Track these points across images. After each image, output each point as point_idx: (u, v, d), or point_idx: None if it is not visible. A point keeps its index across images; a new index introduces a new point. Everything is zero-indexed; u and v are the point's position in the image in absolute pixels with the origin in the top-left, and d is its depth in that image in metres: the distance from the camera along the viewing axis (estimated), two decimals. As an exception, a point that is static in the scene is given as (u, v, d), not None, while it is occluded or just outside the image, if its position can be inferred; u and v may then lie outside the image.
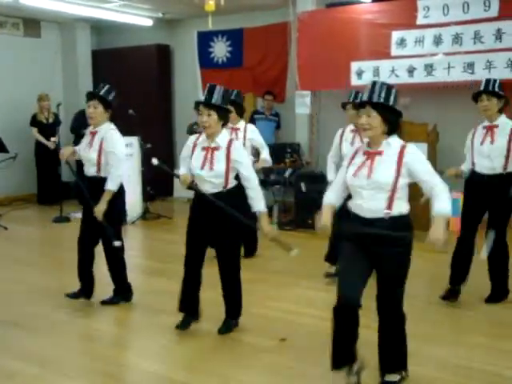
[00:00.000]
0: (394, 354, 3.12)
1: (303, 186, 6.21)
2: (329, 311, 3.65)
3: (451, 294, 4.56)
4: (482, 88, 4.32)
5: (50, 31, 10.12)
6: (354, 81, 7.67)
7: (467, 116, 6.64)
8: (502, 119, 4.34)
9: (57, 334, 4.07)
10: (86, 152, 4.42)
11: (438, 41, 7.04)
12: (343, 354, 3.05)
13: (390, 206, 2.94)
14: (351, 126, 5.13)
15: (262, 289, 5.00)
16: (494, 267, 4.51)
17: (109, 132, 4.38)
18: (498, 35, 6.61)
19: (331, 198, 3.22)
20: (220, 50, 9.52)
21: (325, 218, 3.13)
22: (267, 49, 8.97)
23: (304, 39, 8.08)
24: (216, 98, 3.74)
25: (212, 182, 3.80)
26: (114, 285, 4.59)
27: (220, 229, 3.85)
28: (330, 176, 5.22)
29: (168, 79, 10.24)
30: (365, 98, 2.96)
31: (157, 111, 9.92)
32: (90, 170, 4.41)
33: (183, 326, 4.01)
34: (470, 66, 6.83)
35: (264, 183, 8.24)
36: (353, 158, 3.09)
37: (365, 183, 2.96)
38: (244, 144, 5.74)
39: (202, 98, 8.94)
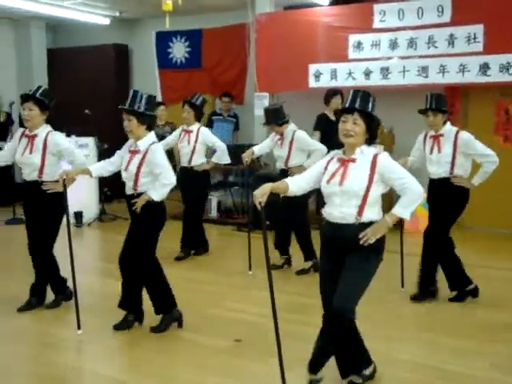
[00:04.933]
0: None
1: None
2: (283, 311, 3.68)
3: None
4: (428, 106, 4.56)
5: (2, 27, 9.86)
6: (312, 83, 7.74)
7: (421, 119, 6.81)
8: (447, 128, 4.58)
9: (5, 341, 3.96)
10: (26, 156, 4.33)
11: (393, 45, 7.16)
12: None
13: (360, 213, 2.97)
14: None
15: (216, 289, 4.98)
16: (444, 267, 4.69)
17: (50, 134, 4.34)
18: (451, 40, 6.77)
19: (292, 180, 3.16)
20: (179, 50, 9.47)
21: (268, 186, 3.06)
22: (226, 50, 8.97)
23: (262, 41, 8.11)
24: (138, 105, 3.93)
25: (127, 183, 3.99)
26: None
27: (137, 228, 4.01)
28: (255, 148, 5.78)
29: (126, 79, 10.11)
30: (349, 104, 3.00)
31: (114, 112, 9.74)
32: (31, 175, 4.33)
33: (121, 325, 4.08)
34: (424, 69, 6.97)
35: (223, 184, 8.27)
36: (327, 164, 3.11)
37: (337, 190, 2.99)
38: (195, 147, 5.88)
39: (160, 98, 8.99)
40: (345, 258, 3.02)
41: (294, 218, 5.56)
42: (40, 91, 4.30)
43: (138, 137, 3.96)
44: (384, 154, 3.05)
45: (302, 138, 5.39)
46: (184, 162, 6.03)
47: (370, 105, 3.00)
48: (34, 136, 4.32)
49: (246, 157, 5.59)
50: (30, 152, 4.31)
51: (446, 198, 4.57)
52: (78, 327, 4.02)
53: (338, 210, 3.00)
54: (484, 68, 6.58)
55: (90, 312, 4.39)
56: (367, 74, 7.33)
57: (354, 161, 3.00)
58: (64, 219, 4.20)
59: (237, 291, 4.98)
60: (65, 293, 4.58)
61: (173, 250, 6.02)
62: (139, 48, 9.97)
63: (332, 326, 3.04)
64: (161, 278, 4.08)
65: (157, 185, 3.89)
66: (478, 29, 6.58)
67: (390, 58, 7.19)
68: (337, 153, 3.12)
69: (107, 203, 8.62)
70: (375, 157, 2.98)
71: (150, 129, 4.03)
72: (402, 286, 4.92)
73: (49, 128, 4.38)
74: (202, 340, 3.92)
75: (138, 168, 3.90)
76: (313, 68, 7.71)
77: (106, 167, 4.19)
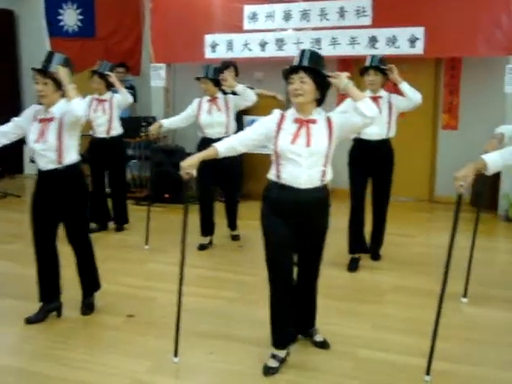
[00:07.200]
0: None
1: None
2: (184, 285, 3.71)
3: (354, 263, 4.92)
4: (368, 64, 4.73)
5: None
6: (209, 54, 7.69)
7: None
8: (383, 92, 4.78)
9: None
10: None
11: (287, 16, 7.24)
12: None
13: (324, 175, 3.02)
14: (207, 97, 5.41)
15: (113, 265, 4.90)
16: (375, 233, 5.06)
17: None
18: (341, 13, 6.94)
19: (221, 143, 3.07)
20: (70, 18, 9.02)
21: (195, 156, 3.02)
22: (121, 19, 8.67)
23: (158, 10, 7.93)
24: (55, 66, 3.52)
25: (43, 157, 3.62)
26: None
27: (67, 205, 3.72)
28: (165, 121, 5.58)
29: (12, 48, 9.51)
30: (296, 63, 2.94)
31: (0, 84, 9.22)
32: None
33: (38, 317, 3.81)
34: (318, 41, 7.12)
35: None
36: (280, 124, 3.01)
37: (304, 151, 2.94)
38: (111, 115, 5.83)
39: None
40: (300, 223, 3.05)
41: (232, 187, 5.64)
42: None
43: (52, 102, 3.57)
44: (332, 114, 3.10)
45: (233, 96, 5.39)
46: (100, 133, 5.86)
47: (318, 62, 2.94)
48: None
49: (153, 131, 5.46)
50: None
51: (385, 158, 4.83)
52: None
53: (307, 173, 2.96)
54: (372, 41, 6.82)
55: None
56: (263, 45, 7.37)
57: (314, 122, 2.98)
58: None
59: (132, 266, 4.94)
60: None
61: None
62: (27, 14, 9.38)
63: (310, 288, 3.32)
64: (57, 265, 3.87)
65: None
66: (367, 2, 6.79)
67: (284, 30, 7.27)
68: (287, 112, 3.04)
69: (-3, 180, 8.21)
70: (328, 118, 3.02)
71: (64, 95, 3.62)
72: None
73: None
74: (94, 318, 3.86)
75: (59, 138, 3.56)
76: (209, 39, 7.65)
77: None
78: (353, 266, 4.85)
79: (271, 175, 3.08)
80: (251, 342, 3.51)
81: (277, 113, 3.08)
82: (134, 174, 7.99)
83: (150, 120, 7.77)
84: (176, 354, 3.25)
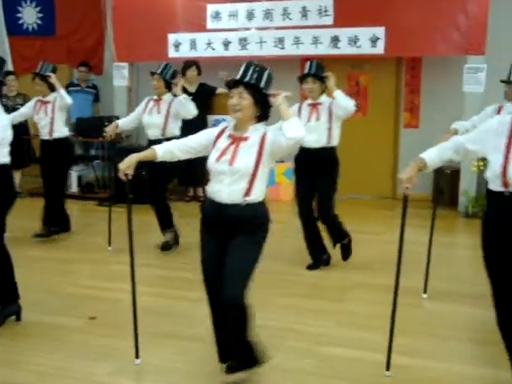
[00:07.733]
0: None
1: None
2: (144, 285, 3.66)
3: (316, 264, 4.89)
4: (306, 71, 4.66)
5: None
6: (172, 53, 7.64)
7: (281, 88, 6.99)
8: (324, 97, 4.71)
9: None
10: None
11: (250, 15, 7.25)
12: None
13: (247, 194, 2.86)
14: (155, 97, 5.40)
15: (75, 267, 4.85)
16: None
17: None
18: (304, 13, 6.98)
19: (161, 146, 3.04)
20: (29, 15, 8.87)
21: (133, 156, 2.96)
22: (82, 17, 8.58)
23: (120, 8, 7.84)
24: None
25: None
26: None
27: None
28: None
29: (-30, 46, 9.28)
30: (238, 77, 2.85)
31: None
32: None
33: None
34: (281, 41, 7.14)
35: (84, 158, 7.98)
36: (216, 139, 2.94)
37: (226, 169, 2.85)
38: (53, 117, 5.66)
39: (10, 68, 8.32)
40: (229, 240, 2.89)
41: (157, 189, 5.46)
42: None
43: None
44: (270, 130, 2.93)
45: (179, 102, 5.20)
46: (44, 135, 5.72)
47: (260, 78, 2.84)
48: None
49: (110, 132, 5.41)
50: None
51: (325, 167, 4.71)
52: None
53: (227, 190, 2.86)
54: (334, 41, 6.88)
55: None
56: (226, 44, 7.37)
57: (246, 139, 2.87)
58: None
59: (95, 267, 4.87)
60: None
61: (31, 229, 5.75)
62: (-16, 12, 9.16)
63: (229, 313, 2.88)
64: (8, 267, 3.69)
65: None
66: (328, 2, 6.84)
67: (247, 29, 7.28)
68: (227, 128, 2.97)
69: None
70: (264, 135, 2.87)
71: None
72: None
73: None
74: (55, 320, 3.79)
75: None
76: (172, 37, 7.61)
77: None
78: (315, 266, 4.87)
79: (206, 189, 3.03)
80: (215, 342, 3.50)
81: (221, 126, 3.02)
82: (97, 175, 7.88)
83: (113, 119, 7.66)
84: (137, 356, 3.22)
